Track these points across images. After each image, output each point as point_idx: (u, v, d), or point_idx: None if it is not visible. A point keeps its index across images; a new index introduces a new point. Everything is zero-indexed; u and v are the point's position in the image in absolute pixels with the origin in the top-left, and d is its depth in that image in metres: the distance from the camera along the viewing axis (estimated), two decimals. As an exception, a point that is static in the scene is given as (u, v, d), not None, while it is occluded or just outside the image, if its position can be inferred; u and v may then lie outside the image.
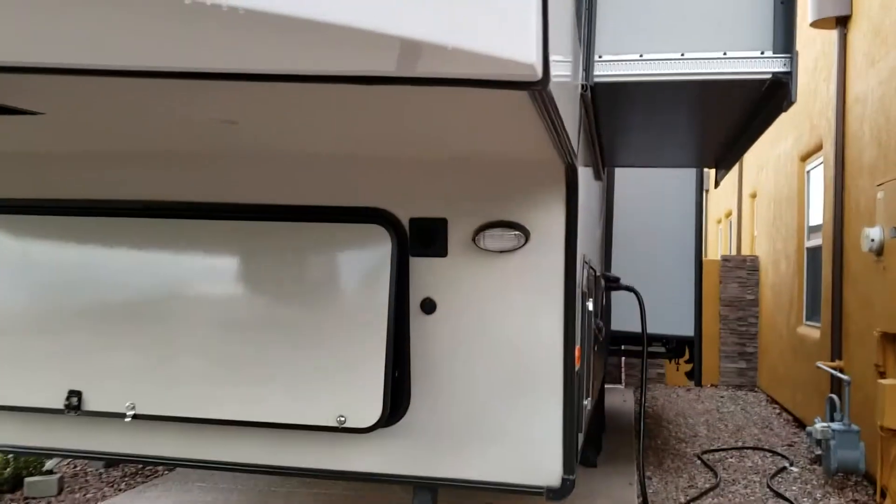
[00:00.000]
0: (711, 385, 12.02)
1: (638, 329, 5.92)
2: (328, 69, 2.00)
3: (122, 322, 3.68)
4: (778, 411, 10.09)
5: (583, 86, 3.47)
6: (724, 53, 3.47)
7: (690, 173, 7.73)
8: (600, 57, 3.57)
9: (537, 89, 2.02)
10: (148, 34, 1.83)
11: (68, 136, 3.43)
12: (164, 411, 3.60)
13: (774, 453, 7.69)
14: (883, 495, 5.82)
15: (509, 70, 1.92)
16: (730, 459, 7.44)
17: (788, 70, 3.42)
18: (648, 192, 7.78)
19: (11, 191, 3.86)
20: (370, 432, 3.42)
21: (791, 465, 7.22)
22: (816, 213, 8.97)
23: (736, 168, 13.92)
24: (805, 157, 9.39)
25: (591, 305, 4.11)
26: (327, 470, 3.63)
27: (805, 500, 6.19)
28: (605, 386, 8.71)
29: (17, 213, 3.84)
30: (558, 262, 3.41)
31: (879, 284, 6.18)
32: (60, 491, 5.76)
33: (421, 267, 3.49)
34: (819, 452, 6.93)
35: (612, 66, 3.56)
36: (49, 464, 5.90)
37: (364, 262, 3.54)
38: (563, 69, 2.54)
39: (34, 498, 5.63)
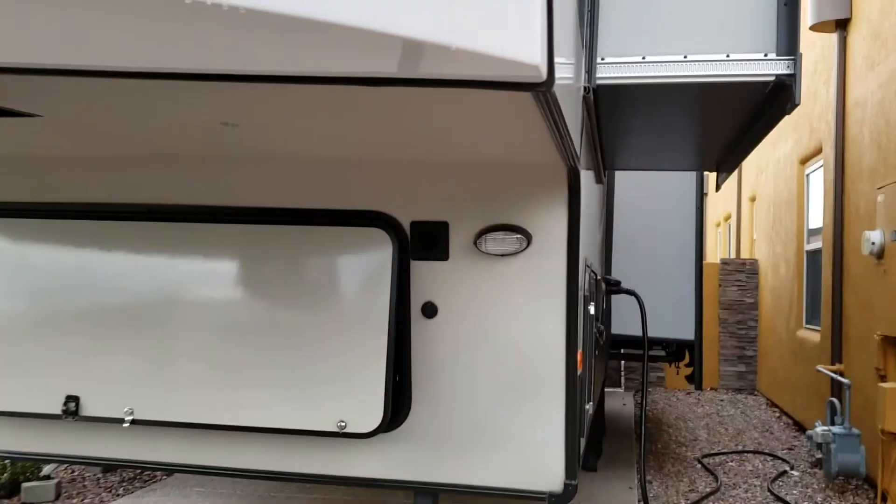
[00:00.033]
0: (711, 388, 12.00)
1: (638, 332, 5.90)
2: (330, 70, 1.98)
3: (121, 326, 3.65)
4: (778, 415, 10.07)
5: (585, 88, 3.45)
6: (727, 55, 3.45)
7: (690, 176, 7.72)
8: (603, 59, 3.55)
9: (542, 91, 2.00)
10: (148, 34, 1.81)
11: (65, 138, 3.41)
12: (164, 416, 3.57)
13: (775, 457, 7.67)
14: (884, 499, 5.79)
15: (513, 71, 1.89)
16: (730, 463, 7.42)
17: (792, 72, 3.40)
18: (649, 195, 7.77)
19: (9, 194, 3.83)
20: (371, 437, 3.39)
21: (792, 468, 7.20)
22: (816, 216, 8.96)
23: (735, 171, 13.90)
24: (805, 161, 9.38)
25: (592, 309, 4.08)
26: (328, 475, 3.60)
27: (806, 503, 6.18)
28: (605, 389, 8.68)
29: (14, 217, 3.81)
30: (560, 266, 3.39)
31: (880, 288, 6.16)
32: (58, 496, 5.72)
33: (422, 271, 3.47)
34: (820, 456, 6.92)
35: (615, 69, 3.54)
36: (46, 469, 5.86)
37: (365, 265, 3.51)
38: (566, 71, 2.52)
39: (31, 503, 5.59)
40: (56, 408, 3.61)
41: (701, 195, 7.82)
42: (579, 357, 3.47)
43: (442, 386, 3.48)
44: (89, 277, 3.70)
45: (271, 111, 2.72)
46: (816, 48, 8.43)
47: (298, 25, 1.67)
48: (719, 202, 17.91)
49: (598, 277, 5.20)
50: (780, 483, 6.74)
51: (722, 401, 11.14)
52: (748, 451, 7.90)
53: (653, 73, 3.52)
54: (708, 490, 6.39)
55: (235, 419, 3.51)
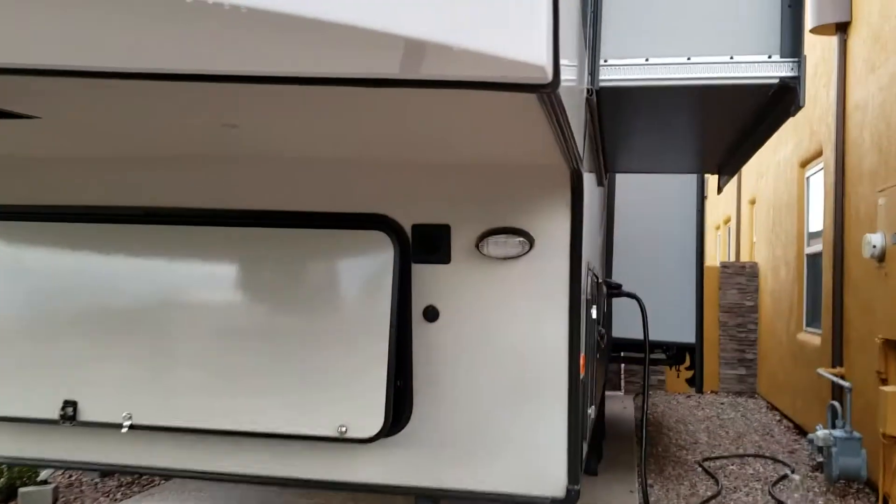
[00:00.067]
0: (711, 391, 11.98)
1: (638, 336, 5.88)
2: (331, 71, 1.95)
3: (120, 330, 3.62)
4: (778, 418, 10.05)
5: (588, 90, 3.43)
6: (731, 57, 3.43)
7: (691, 179, 7.70)
8: (605, 61, 3.53)
9: (546, 92, 1.97)
10: (148, 35, 1.78)
11: (63, 140, 3.38)
12: (163, 421, 3.54)
13: (776, 460, 7.65)
14: (885, 502, 5.77)
15: (518, 72, 1.86)
16: (731, 467, 7.40)
17: (796, 74, 3.38)
18: (649, 197, 7.75)
19: (5, 196, 3.81)
20: (372, 442, 3.36)
21: (792, 472, 7.18)
22: (816, 219, 8.95)
23: (735, 174, 13.89)
24: (805, 164, 9.37)
25: (594, 313, 4.06)
26: (328, 481, 3.57)
27: (808, 508, 6.15)
28: (605, 393, 8.66)
29: (11, 220, 3.78)
30: (563, 270, 3.37)
31: (881, 291, 6.14)
32: (55, 501, 5.68)
33: (424, 274, 3.44)
34: (820, 460, 6.90)
35: (618, 71, 3.52)
36: (44, 474, 5.82)
37: (366, 269, 3.48)
38: (571, 73, 2.50)
39: (29, 508, 5.55)
40: (53, 413, 3.58)
41: (702, 198, 7.80)
42: (582, 361, 3.45)
43: (444, 390, 3.46)
44: (86, 281, 3.67)
45: (271, 112, 2.70)
46: (816, 51, 8.43)
47: (299, 25, 1.65)
48: (718, 205, 17.90)
49: (600, 280, 5.18)
50: (782, 487, 6.71)
51: (722, 404, 11.11)
52: (749, 455, 7.88)
53: (656, 75, 3.50)
54: (709, 494, 6.37)
55: (235, 424, 3.48)
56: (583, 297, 3.45)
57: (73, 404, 3.57)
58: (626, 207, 7.37)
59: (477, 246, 3.41)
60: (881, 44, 6.53)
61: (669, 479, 6.85)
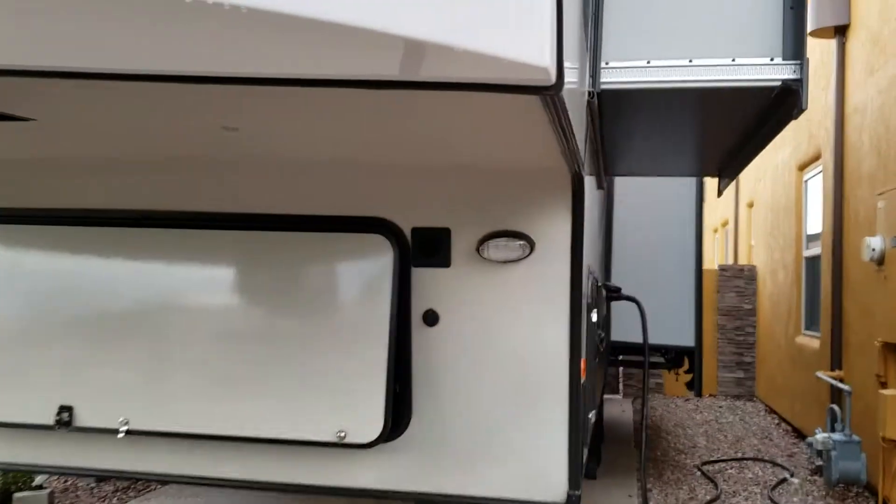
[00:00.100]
0: (709, 395, 11.97)
1: (637, 339, 5.86)
2: (333, 72, 1.93)
3: (116, 335, 3.59)
4: (777, 421, 10.03)
5: (589, 93, 3.41)
6: (733, 60, 3.41)
7: (690, 182, 7.69)
8: (606, 63, 3.51)
9: (550, 94, 1.95)
10: (146, 35, 1.76)
11: (60, 142, 3.36)
12: (160, 427, 3.51)
13: (775, 464, 7.63)
14: (886, 507, 5.76)
15: (521, 74, 1.84)
16: (730, 471, 7.37)
17: (799, 77, 3.36)
18: (648, 200, 7.74)
19: (0, 200, 3.77)
20: (371, 448, 3.33)
21: (792, 476, 7.16)
22: (814, 222, 8.94)
23: (732, 177, 13.89)
24: (803, 167, 9.37)
25: (595, 316, 4.04)
26: (327, 486, 3.54)
27: (807, 512, 6.14)
28: (604, 396, 8.64)
29: (6, 223, 3.75)
30: (564, 273, 3.34)
31: (880, 294, 6.13)
32: (51, 506, 5.64)
33: (423, 278, 3.42)
34: (820, 463, 6.88)
35: (619, 73, 3.50)
36: (39, 479, 5.78)
37: (365, 273, 3.46)
38: (573, 75, 2.48)
39: (24, 513, 5.51)
40: (49, 418, 3.54)
41: (701, 201, 7.79)
42: (583, 365, 3.42)
43: (443, 395, 3.43)
44: (83, 285, 3.64)
45: (271, 115, 2.68)
46: (815, 54, 8.42)
47: (299, 25, 1.63)
48: (716, 208, 17.91)
49: (599, 284, 5.16)
50: (781, 490, 6.70)
51: (720, 407, 11.10)
52: (748, 459, 7.86)
53: (657, 78, 3.47)
54: (708, 498, 6.35)
55: (233, 429, 3.45)
56: (584, 301, 3.43)
57: (69, 409, 3.54)
58: (625, 210, 7.35)
59: (477, 249, 3.39)
60: (880, 47, 6.52)
61: (668, 483, 6.83)
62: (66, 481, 6.33)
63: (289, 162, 3.49)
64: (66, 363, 3.62)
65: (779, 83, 3.39)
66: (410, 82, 1.96)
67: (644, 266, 7.34)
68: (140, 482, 6.14)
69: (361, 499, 3.72)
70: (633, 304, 5.83)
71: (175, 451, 3.60)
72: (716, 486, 6.72)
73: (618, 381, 11.54)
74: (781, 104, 3.63)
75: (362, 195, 3.48)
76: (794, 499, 6.46)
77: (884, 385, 6.03)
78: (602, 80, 3.50)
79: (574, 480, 3.37)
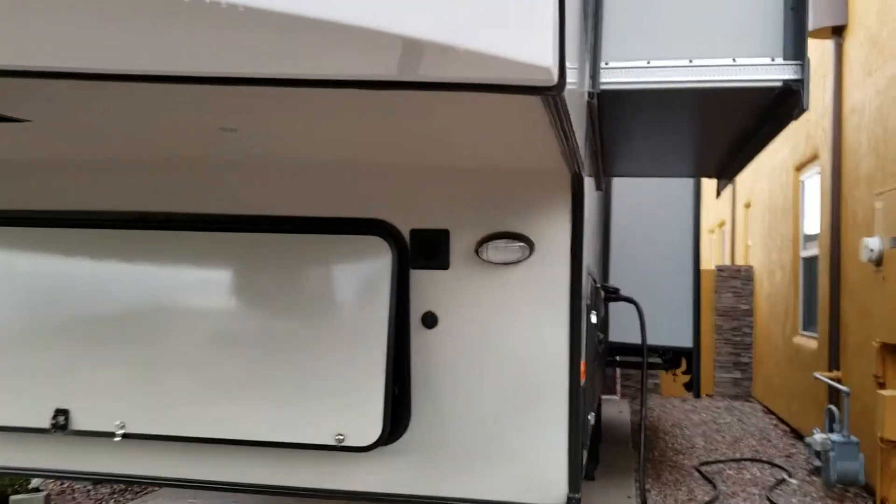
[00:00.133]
0: (707, 395, 11.97)
1: (634, 340, 5.84)
2: (333, 73, 1.91)
3: (113, 338, 3.56)
4: (774, 422, 10.04)
5: (589, 93, 3.39)
6: (734, 60, 3.39)
7: (688, 183, 7.67)
8: (606, 63, 3.49)
9: (552, 95, 1.93)
10: (143, 35, 1.73)
11: (55, 144, 3.33)
12: (157, 430, 3.47)
13: (773, 465, 7.63)
14: (884, 508, 5.76)
15: (523, 74, 1.82)
16: (728, 471, 7.37)
17: (800, 77, 3.34)
18: (646, 201, 7.72)
19: (-4, 201, 3.75)
20: (370, 451, 3.30)
21: (790, 476, 7.16)
22: (812, 223, 8.94)
23: (728, 178, 13.89)
24: (800, 167, 9.38)
25: (594, 318, 4.02)
26: (325, 490, 3.52)
27: (806, 513, 6.13)
28: (601, 396, 8.63)
29: (1, 225, 3.72)
30: (564, 275, 3.32)
31: (878, 294, 6.13)
32: (47, 509, 5.61)
33: (422, 280, 3.39)
34: (818, 464, 6.88)
35: (619, 73, 3.48)
36: (35, 481, 5.75)
37: (363, 275, 3.44)
38: (573, 75, 2.46)
39: (20, 516, 5.48)
40: (44, 421, 3.51)
41: (698, 202, 7.78)
42: (582, 367, 3.40)
43: (442, 398, 3.41)
44: (79, 287, 3.61)
45: (271, 115, 2.65)
46: (812, 54, 8.29)
47: (299, 25, 1.60)
48: (713, 209, 17.93)
49: (598, 285, 5.14)
50: (779, 491, 6.69)
51: (718, 408, 11.10)
52: (746, 459, 7.86)
53: (657, 78, 3.45)
54: (706, 499, 6.35)
55: (230, 433, 3.42)
56: (583, 303, 3.41)
57: (65, 413, 3.51)
58: (622, 211, 7.33)
59: (476, 251, 3.37)
60: (878, 47, 6.52)
61: (667, 484, 6.82)
62: (62, 484, 6.30)
63: (286, 163, 3.46)
64: (62, 366, 3.59)
65: (780, 83, 3.37)
66: (412, 83, 1.94)
67: (642, 267, 7.33)
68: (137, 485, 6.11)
69: (360, 502, 3.70)
70: (631, 305, 5.82)
71: (172, 454, 3.58)
72: (714, 486, 6.72)
73: (615, 382, 11.53)
74: (782, 104, 3.62)
75: (360, 196, 3.46)
76: (793, 499, 6.45)
77: (882, 386, 6.02)
78: (602, 80, 3.48)
79: (574, 483, 3.36)
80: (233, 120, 2.73)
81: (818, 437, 6.64)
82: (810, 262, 8.93)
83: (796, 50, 3.38)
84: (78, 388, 3.55)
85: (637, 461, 6.57)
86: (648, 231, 7.68)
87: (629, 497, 6.12)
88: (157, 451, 3.58)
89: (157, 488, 5.98)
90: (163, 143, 3.26)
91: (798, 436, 8.80)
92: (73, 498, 5.99)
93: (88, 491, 6.12)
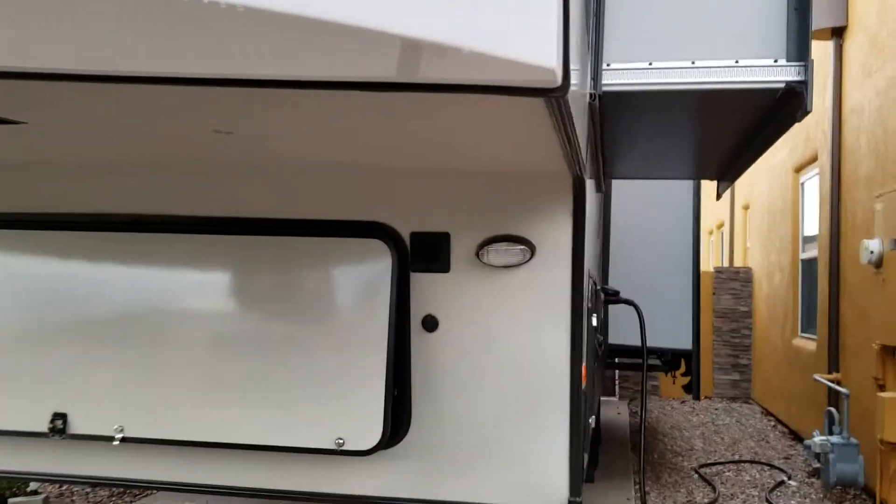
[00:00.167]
0: (705, 397, 11.96)
1: (633, 342, 5.82)
2: (334, 74, 1.88)
3: (111, 341, 3.53)
4: (773, 424, 10.02)
5: (591, 95, 3.37)
6: (736, 61, 3.37)
7: (687, 185, 7.66)
8: (608, 65, 3.47)
9: (556, 96, 1.91)
10: (142, 36, 1.71)
11: (51, 146, 3.30)
12: (156, 434, 3.45)
13: (772, 467, 7.62)
14: (884, 510, 5.75)
15: (528, 76, 1.80)
16: (727, 473, 7.36)
17: (803, 79, 3.32)
18: (646, 203, 7.71)
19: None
20: (370, 455, 3.28)
21: (789, 478, 7.15)
22: (811, 224, 8.93)
23: (727, 179, 13.87)
24: (799, 169, 9.37)
25: (594, 321, 4.00)
26: (325, 494, 3.49)
27: (806, 515, 6.12)
28: (600, 398, 8.61)
29: (-1, 228, 3.69)
30: (565, 278, 3.30)
31: (878, 296, 6.12)
32: (44, 512, 5.59)
33: (422, 283, 3.37)
34: (817, 466, 6.88)
35: (621, 75, 3.46)
36: (34, 484, 5.73)
37: (363, 278, 3.41)
38: (577, 76, 2.44)
39: (17, 519, 5.46)
40: (42, 425, 3.48)
41: (698, 204, 7.77)
42: (583, 371, 3.38)
43: (443, 401, 3.39)
44: (77, 291, 3.58)
45: (270, 117, 2.63)
46: (813, 56, 8.40)
47: (300, 25, 1.58)
48: (712, 211, 17.92)
49: (598, 287, 5.13)
50: (779, 493, 6.68)
51: (717, 409, 11.09)
52: (745, 461, 7.84)
53: (659, 80, 3.43)
54: (706, 501, 6.33)
55: (230, 436, 3.40)
56: (585, 307, 3.39)
57: (63, 417, 3.48)
58: (622, 213, 7.32)
59: (477, 254, 3.35)
60: (878, 48, 6.51)
61: (666, 486, 6.80)
62: (61, 486, 6.27)
63: (285, 165, 3.44)
64: (60, 369, 3.57)
65: (783, 85, 3.36)
66: (415, 84, 1.92)
67: (641, 268, 7.32)
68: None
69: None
70: (631, 307, 5.80)
71: (171, 458, 3.55)
72: (713, 488, 6.71)
73: (614, 384, 11.52)
74: (784, 106, 3.60)
75: (360, 199, 3.44)
76: (792, 501, 6.45)
77: (882, 388, 6.01)
78: (603, 81, 3.46)
79: (575, 487, 3.34)
80: (232, 122, 2.71)
81: (818, 439, 6.63)
82: (809, 264, 8.92)
83: (800, 51, 3.36)
84: (76, 391, 3.52)
85: (636, 463, 6.56)
86: (648, 233, 7.67)
87: (628, 499, 6.11)
88: (156, 455, 3.56)
89: (154, 490, 5.95)
90: (162, 146, 3.24)
91: (797, 438, 8.79)
92: (72, 501, 5.97)
93: (87, 493, 6.10)
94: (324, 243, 3.43)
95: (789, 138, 9.46)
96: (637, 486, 6.25)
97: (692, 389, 8.06)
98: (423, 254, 3.37)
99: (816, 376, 7.56)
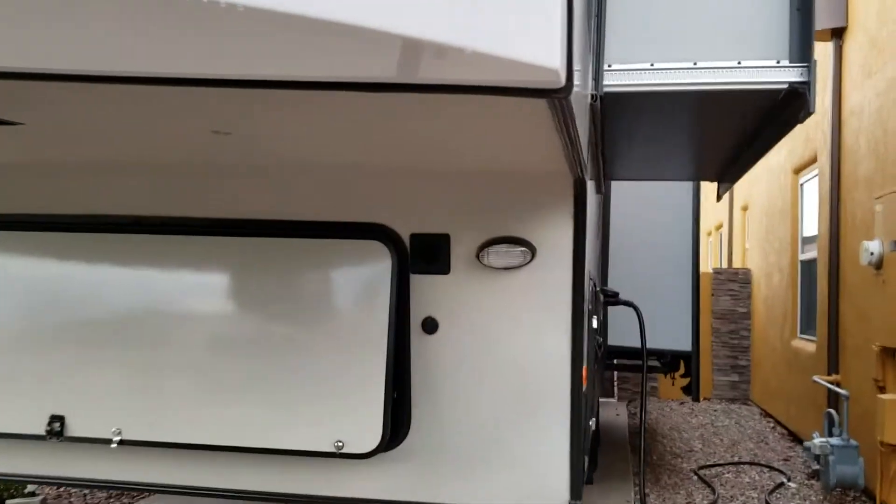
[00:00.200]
0: (704, 398, 11.95)
1: (632, 343, 5.81)
2: (336, 75, 1.87)
3: (109, 343, 3.51)
4: (772, 425, 10.01)
5: (592, 95, 3.35)
6: (739, 62, 3.36)
7: (687, 186, 7.65)
8: (610, 66, 3.46)
9: (559, 97, 1.90)
10: (139, 36, 1.69)
11: (48, 147, 3.28)
12: (153, 437, 3.43)
13: (771, 468, 7.60)
14: (884, 512, 5.73)
15: (531, 76, 1.79)
16: (727, 475, 7.34)
17: (806, 80, 3.31)
18: (645, 204, 7.70)
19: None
20: (369, 457, 3.27)
21: (789, 480, 7.13)
22: (810, 225, 8.93)
23: (726, 180, 13.87)
24: (798, 170, 9.36)
25: (595, 322, 3.99)
26: (324, 497, 3.48)
27: (806, 517, 6.10)
28: (599, 399, 8.60)
29: (-3, 229, 3.67)
30: (566, 280, 3.29)
31: (878, 298, 6.11)
32: (42, 514, 5.57)
33: (422, 285, 3.36)
34: (817, 467, 6.86)
35: (622, 76, 3.45)
36: (31, 486, 5.70)
37: (363, 279, 3.40)
38: (579, 77, 2.42)
39: (14, 521, 5.44)
40: (40, 428, 3.46)
41: (697, 205, 7.76)
42: (584, 373, 3.37)
43: (443, 404, 3.37)
44: (75, 292, 3.56)
45: (270, 118, 2.61)
46: (811, 56, 8.40)
47: (300, 25, 1.57)
48: (710, 212, 17.92)
49: (598, 289, 5.11)
50: (778, 495, 6.67)
51: (716, 411, 11.07)
52: (744, 463, 7.83)
53: (661, 81, 3.42)
54: (705, 502, 6.31)
55: (228, 439, 3.38)
56: (585, 308, 3.37)
57: (61, 419, 3.46)
58: (621, 214, 7.31)
59: (477, 256, 3.33)
60: (878, 49, 6.50)
61: (665, 487, 6.79)
62: (58, 488, 6.25)
63: (285, 166, 3.43)
64: (58, 371, 3.55)
65: (785, 86, 3.34)
66: (418, 85, 1.91)
67: (641, 270, 7.31)
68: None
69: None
70: (630, 309, 5.78)
71: (169, 461, 3.53)
72: (713, 490, 6.69)
73: (612, 385, 11.51)
74: (786, 107, 3.58)
75: (360, 201, 3.42)
76: (791, 503, 6.43)
77: (882, 389, 6.00)
78: (605, 82, 3.45)
79: (575, 489, 3.33)
80: (232, 123, 2.69)
81: (818, 440, 6.61)
82: (809, 265, 8.91)
83: (802, 52, 3.35)
84: (74, 393, 3.51)
85: (636, 465, 6.54)
86: (647, 234, 7.66)
87: (628, 501, 6.09)
88: (154, 458, 3.54)
89: (152, 494, 5.93)
90: (161, 146, 3.22)
91: (796, 439, 8.78)
92: (70, 502, 5.94)
93: (84, 495, 6.07)
94: (323, 245, 3.42)
95: (788, 139, 9.41)
96: (636, 488, 6.23)
97: (691, 391, 8.05)
98: (422, 255, 3.36)
99: (816, 378, 7.55)
